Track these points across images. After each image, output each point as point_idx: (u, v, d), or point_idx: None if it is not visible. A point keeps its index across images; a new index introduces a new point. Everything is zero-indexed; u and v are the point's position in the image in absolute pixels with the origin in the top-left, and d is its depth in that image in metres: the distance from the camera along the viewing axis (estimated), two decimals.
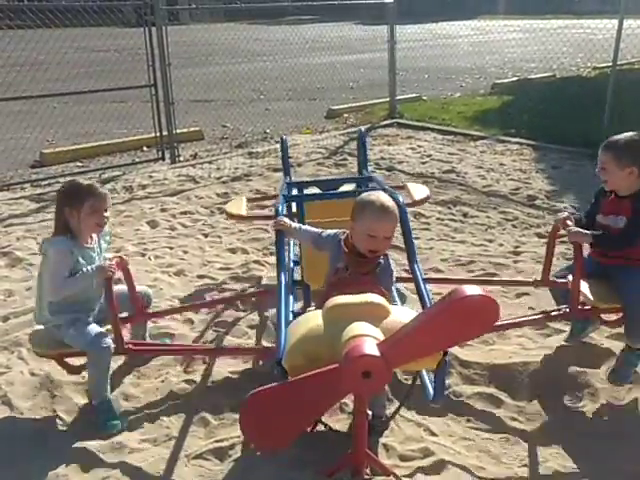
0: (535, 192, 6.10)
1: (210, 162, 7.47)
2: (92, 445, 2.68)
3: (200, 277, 4.34)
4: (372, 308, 2.14)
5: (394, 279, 2.63)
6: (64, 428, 2.83)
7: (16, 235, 5.07)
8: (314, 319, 2.19)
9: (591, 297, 2.95)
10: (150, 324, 3.57)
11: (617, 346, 3.26)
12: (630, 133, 2.98)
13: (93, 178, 6.92)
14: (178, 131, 7.77)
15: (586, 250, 3.07)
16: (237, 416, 2.80)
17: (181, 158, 7.65)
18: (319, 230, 2.77)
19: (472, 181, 6.48)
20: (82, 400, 3.01)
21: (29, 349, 3.41)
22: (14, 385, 3.10)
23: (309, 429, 2.59)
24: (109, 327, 2.96)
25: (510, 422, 2.85)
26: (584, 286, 3.00)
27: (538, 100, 10.39)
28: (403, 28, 12.20)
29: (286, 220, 2.89)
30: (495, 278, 4.21)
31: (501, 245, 4.90)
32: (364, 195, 2.61)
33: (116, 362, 3.30)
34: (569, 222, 3.02)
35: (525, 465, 2.57)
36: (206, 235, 5.16)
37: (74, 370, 3.12)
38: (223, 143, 8.59)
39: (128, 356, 3.22)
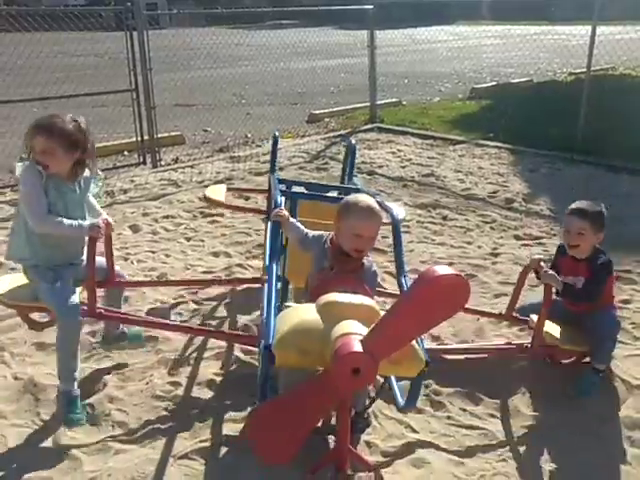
0: (513, 195, 6.22)
1: (192, 166, 7.48)
2: (77, 447, 2.70)
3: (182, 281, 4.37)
4: (364, 310, 2.19)
5: (377, 279, 2.69)
6: (48, 431, 2.84)
7: None
8: (308, 313, 2.22)
9: (557, 336, 3.14)
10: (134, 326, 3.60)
11: None
12: (590, 202, 3.20)
13: None
14: (159, 135, 7.78)
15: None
16: (222, 416, 2.89)
17: (162, 162, 7.66)
18: (305, 230, 2.82)
19: (451, 184, 6.58)
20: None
21: (12, 353, 3.44)
22: None
23: None
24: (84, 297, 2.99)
25: (488, 419, 2.93)
26: (551, 326, 3.17)
27: (516, 105, 10.55)
28: (383, 33, 12.30)
29: (285, 213, 2.88)
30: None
31: (480, 247, 5.01)
32: (350, 197, 2.68)
33: (99, 364, 3.35)
34: (542, 264, 3.18)
35: (503, 460, 2.65)
36: (188, 239, 5.18)
37: (36, 326, 3.17)
38: (205, 147, 8.61)
39: (107, 347, 3.34)
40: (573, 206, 3.21)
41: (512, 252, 4.83)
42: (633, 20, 20.19)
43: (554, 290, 3.11)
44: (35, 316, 3.29)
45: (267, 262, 2.76)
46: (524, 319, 3.35)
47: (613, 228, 5.21)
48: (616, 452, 2.67)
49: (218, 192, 4.46)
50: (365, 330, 2.06)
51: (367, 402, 2.67)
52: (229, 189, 4.69)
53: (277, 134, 4.47)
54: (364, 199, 2.60)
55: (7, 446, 2.73)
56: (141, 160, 7.67)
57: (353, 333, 2.02)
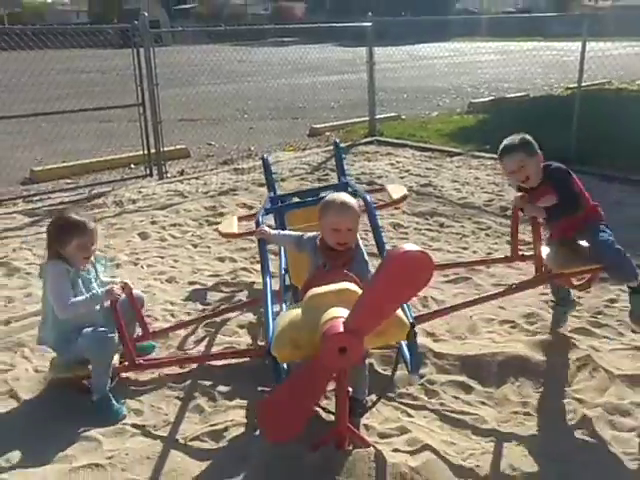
0: (508, 203, 6.43)
1: (197, 178, 7.74)
2: (96, 431, 2.91)
3: (191, 283, 4.59)
4: (344, 294, 2.40)
5: (369, 267, 2.90)
6: (68, 417, 3.04)
7: (12, 247, 5.28)
8: (295, 311, 2.48)
9: (554, 265, 3.38)
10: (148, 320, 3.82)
11: (581, 340, 3.59)
12: (510, 137, 3.43)
13: (83, 194, 7.17)
14: (165, 149, 8.04)
15: None
16: (230, 403, 3.10)
17: (168, 174, 7.92)
18: (300, 234, 3.06)
19: (448, 194, 6.82)
20: (84, 394, 3.22)
21: (32, 349, 3.65)
22: (19, 381, 3.31)
23: None
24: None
25: (480, 406, 3.13)
26: (547, 256, 3.42)
27: (512, 118, 10.79)
28: (382, 50, 12.63)
29: (266, 229, 3.25)
30: (470, 259, 4.50)
31: (475, 252, 5.22)
32: (327, 197, 2.93)
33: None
34: (524, 200, 3.38)
35: (492, 441, 2.84)
36: (195, 245, 5.41)
37: (85, 389, 3.27)
38: (209, 160, 8.87)
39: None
40: (500, 148, 3.38)
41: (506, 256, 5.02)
42: (625, 36, 20.54)
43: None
44: None
45: (262, 277, 3.03)
46: (530, 255, 3.55)
47: None
48: (598, 433, 2.86)
49: (230, 225, 4.66)
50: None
51: (366, 385, 2.88)
52: (240, 218, 4.93)
53: (265, 156, 4.76)
54: (338, 196, 2.85)
55: (30, 430, 2.93)
56: (148, 172, 7.92)
57: (337, 317, 2.23)
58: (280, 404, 2.30)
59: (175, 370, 3.41)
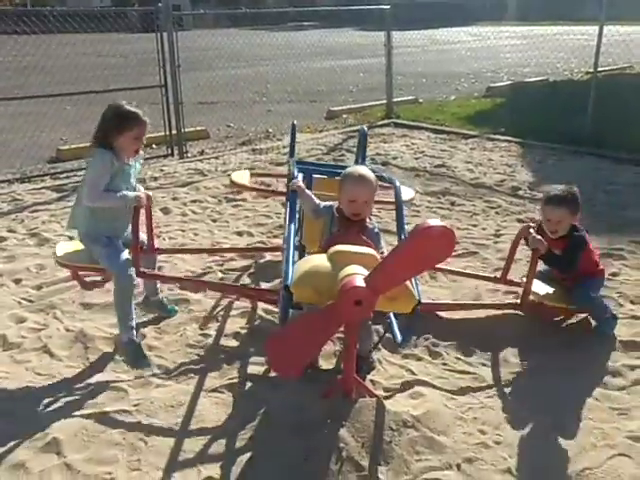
0: (519, 184, 6.59)
1: (216, 158, 7.97)
2: (123, 382, 3.16)
3: (210, 255, 4.82)
4: (366, 257, 2.63)
5: (381, 241, 3.10)
6: (98, 371, 3.30)
7: (42, 219, 5.56)
8: (321, 259, 2.67)
9: (545, 294, 3.59)
10: (167, 291, 4.09)
11: None
12: (562, 187, 3.52)
13: None
14: (185, 130, 8.26)
15: None
16: (246, 360, 3.34)
17: (189, 154, 8.15)
18: (318, 201, 3.26)
19: (461, 174, 6.97)
20: (112, 350, 3.49)
21: (62, 311, 3.91)
22: (52, 338, 3.58)
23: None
24: None
25: (480, 366, 3.33)
26: (539, 287, 3.60)
27: (529, 102, 10.88)
28: (402, 34, 12.70)
29: (301, 183, 3.35)
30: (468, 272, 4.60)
31: (484, 229, 5.39)
32: (346, 170, 3.11)
33: (139, 319, 3.81)
34: (531, 231, 3.56)
35: (490, 397, 3.05)
36: (215, 220, 5.64)
37: (87, 285, 3.65)
38: (228, 141, 9.09)
39: (146, 309, 3.81)
40: (550, 195, 3.50)
41: (513, 233, 5.12)
42: None
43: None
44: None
45: (287, 224, 3.22)
46: (517, 282, 3.74)
47: (613, 213, 5.60)
48: (588, 391, 3.05)
49: (242, 177, 4.93)
50: (366, 273, 2.48)
51: (371, 346, 3.10)
52: (252, 174, 5.15)
53: (295, 122, 4.93)
54: (356, 169, 3.04)
55: (64, 382, 3.20)
56: (169, 152, 8.16)
57: (357, 273, 2.45)
58: (288, 340, 2.51)
59: (197, 331, 3.66)
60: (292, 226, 3.18)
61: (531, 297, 3.61)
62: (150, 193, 3.54)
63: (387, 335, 3.25)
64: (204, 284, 3.85)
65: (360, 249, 2.66)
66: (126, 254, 3.39)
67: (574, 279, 3.57)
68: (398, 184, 3.49)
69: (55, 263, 3.64)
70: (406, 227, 3.34)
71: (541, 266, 3.66)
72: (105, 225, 3.40)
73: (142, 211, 3.44)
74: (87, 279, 3.76)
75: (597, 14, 8.31)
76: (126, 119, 3.30)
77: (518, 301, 3.64)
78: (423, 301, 2.83)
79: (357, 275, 2.43)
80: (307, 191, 3.32)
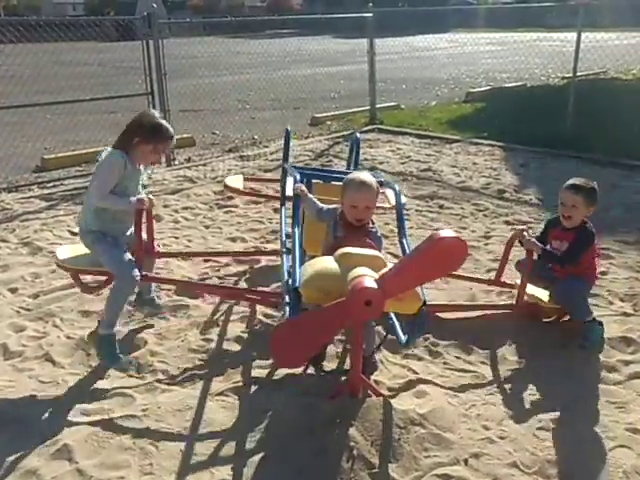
0: (504, 186, 6.72)
1: (204, 165, 7.98)
2: (129, 388, 3.18)
3: (206, 261, 4.83)
4: (374, 260, 2.69)
5: (383, 244, 3.17)
6: (102, 377, 3.31)
7: (33, 228, 5.52)
8: (328, 261, 2.73)
9: (539, 296, 3.67)
10: (166, 297, 4.11)
11: None
12: (584, 179, 3.64)
13: None
14: None
15: None
16: (250, 363, 3.37)
17: (176, 162, 8.15)
18: (321, 205, 3.32)
19: (447, 178, 7.08)
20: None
21: (62, 318, 3.91)
22: (53, 346, 3.58)
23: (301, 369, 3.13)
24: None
25: (479, 365, 3.41)
26: (534, 289, 3.70)
27: (509, 107, 11.09)
28: (382, 41, 12.83)
29: (304, 188, 3.43)
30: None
31: (473, 231, 5.49)
32: (348, 176, 3.18)
33: (139, 324, 3.82)
34: (525, 234, 3.66)
35: (491, 394, 3.13)
36: (207, 227, 5.66)
37: (86, 289, 3.66)
38: (214, 148, 9.11)
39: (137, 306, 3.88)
40: (569, 182, 3.62)
41: (503, 235, 5.29)
42: (622, 27, 20.79)
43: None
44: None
45: (292, 229, 3.28)
46: (511, 283, 3.84)
47: (597, 214, 5.74)
48: (586, 386, 3.15)
49: (236, 181, 4.99)
50: (374, 275, 2.54)
51: (375, 346, 3.16)
52: (246, 179, 5.20)
53: (289, 128, 4.99)
54: (358, 175, 3.09)
55: (69, 389, 3.20)
56: None
57: (366, 275, 2.51)
58: (293, 334, 2.54)
59: (199, 336, 3.68)
60: (297, 230, 3.23)
61: (526, 298, 3.71)
62: (152, 197, 3.57)
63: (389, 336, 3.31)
64: (206, 287, 3.88)
65: (368, 252, 2.72)
66: (128, 255, 3.42)
67: (565, 275, 3.64)
68: (398, 188, 3.56)
69: (55, 265, 3.65)
70: (407, 231, 3.42)
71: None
72: (108, 225, 3.43)
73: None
74: (87, 282, 3.78)
75: (565, 22, 8.55)
76: (159, 131, 3.37)
77: (513, 302, 3.73)
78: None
79: (367, 276, 2.49)
80: (309, 195, 3.37)
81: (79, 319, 3.92)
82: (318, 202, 3.33)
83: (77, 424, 2.88)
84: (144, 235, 3.57)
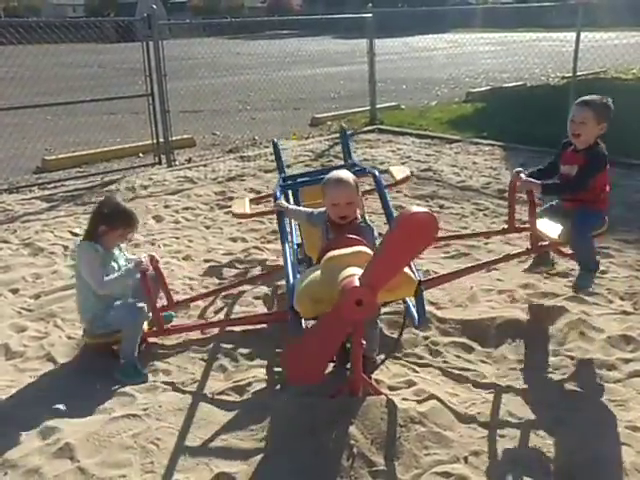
0: (504, 186, 6.69)
1: (205, 165, 8.00)
2: (129, 387, 3.19)
3: (206, 261, 4.86)
4: (358, 255, 2.67)
5: (376, 236, 3.15)
6: (103, 376, 3.32)
7: (34, 229, 5.55)
8: (314, 271, 2.76)
9: (550, 235, 3.61)
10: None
11: (573, 306, 3.86)
12: (597, 96, 3.54)
13: (95, 181, 7.42)
14: (171, 138, 8.28)
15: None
16: (251, 362, 3.39)
17: (177, 162, 8.17)
18: (310, 210, 3.34)
19: (447, 178, 7.09)
20: (114, 358, 3.50)
21: (63, 319, 3.92)
22: (55, 346, 3.59)
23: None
24: None
25: (480, 363, 3.41)
26: (544, 225, 3.65)
27: (509, 106, 11.09)
28: (381, 42, 12.84)
29: (284, 202, 3.55)
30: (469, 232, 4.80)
31: (474, 231, 5.49)
32: (326, 176, 3.18)
33: None
34: (521, 175, 3.63)
35: (491, 392, 3.13)
36: (208, 227, 5.68)
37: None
38: (215, 149, 9.13)
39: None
40: (581, 99, 3.53)
41: (503, 236, 5.30)
42: (622, 26, 20.80)
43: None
44: None
45: (281, 245, 3.33)
46: (524, 227, 3.83)
47: None
48: (587, 385, 3.15)
49: (242, 206, 4.91)
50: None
51: (377, 344, 3.17)
52: (251, 200, 5.17)
53: (275, 140, 5.01)
54: (335, 173, 3.11)
55: (70, 387, 3.21)
56: (157, 160, 8.18)
57: (354, 275, 2.50)
58: (302, 350, 2.57)
59: (199, 335, 3.69)
60: (287, 247, 3.27)
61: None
62: (154, 254, 3.54)
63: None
64: (225, 323, 3.82)
65: (351, 250, 2.69)
66: (124, 301, 3.43)
67: (579, 204, 3.55)
68: (377, 173, 3.60)
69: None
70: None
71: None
72: (114, 300, 3.44)
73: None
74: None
75: (565, 21, 8.57)
76: (124, 217, 3.42)
77: (529, 246, 3.77)
78: (424, 279, 2.89)
79: (355, 276, 2.49)
80: (292, 206, 3.43)
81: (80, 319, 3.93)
82: (305, 209, 3.36)
83: (79, 423, 2.89)
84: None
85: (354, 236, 2.92)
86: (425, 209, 2.34)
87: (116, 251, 3.55)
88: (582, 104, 3.50)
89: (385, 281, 2.48)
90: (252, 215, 5.02)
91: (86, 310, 3.43)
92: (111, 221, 3.39)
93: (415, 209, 2.32)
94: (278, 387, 3.15)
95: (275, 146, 4.94)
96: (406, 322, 3.21)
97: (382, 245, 2.46)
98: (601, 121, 3.46)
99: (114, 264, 3.46)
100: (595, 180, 3.53)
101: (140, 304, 3.37)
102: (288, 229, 3.61)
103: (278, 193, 3.76)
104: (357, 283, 2.44)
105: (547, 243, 3.74)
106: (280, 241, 3.47)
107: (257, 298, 4.18)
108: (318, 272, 2.72)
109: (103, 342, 3.49)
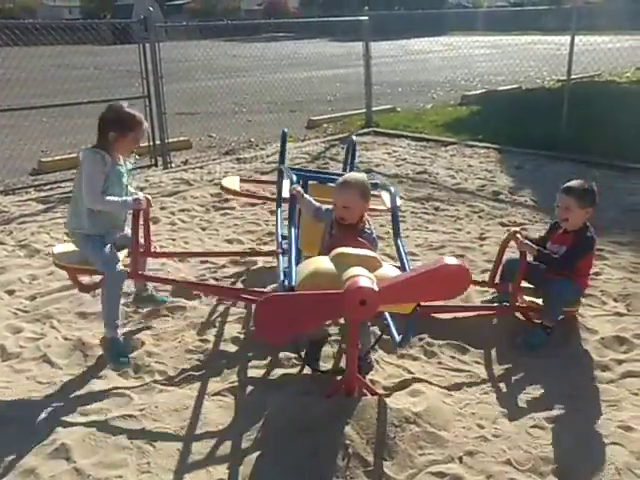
0: (499, 188, 6.76)
1: (201, 167, 8.01)
2: (127, 388, 3.20)
3: (202, 262, 4.85)
4: (369, 260, 2.73)
5: (377, 244, 3.19)
6: (99, 378, 3.32)
7: (30, 231, 5.54)
8: (323, 261, 2.77)
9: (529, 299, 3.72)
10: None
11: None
12: (580, 181, 3.63)
13: None
14: (168, 140, 8.29)
15: None
16: (246, 364, 3.39)
17: (173, 164, 8.18)
18: (319, 204, 3.36)
19: (443, 180, 7.12)
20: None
21: (59, 320, 3.93)
22: (51, 347, 3.59)
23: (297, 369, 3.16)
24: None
25: (474, 364, 3.44)
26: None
27: (504, 109, 11.14)
28: (377, 45, 12.89)
29: (300, 189, 3.48)
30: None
31: (469, 233, 5.52)
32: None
33: (136, 326, 3.84)
34: (518, 235, 3.68)
35: (486, 393, 3.16)
36: (204, 229, 5.69)
37: (84, 288, 3.73)
38: (211, 151, 9.14)
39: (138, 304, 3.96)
40: (564, 185, 3.63)
41: (498, 236, 5.32)
42: (617, 30, 20.89)
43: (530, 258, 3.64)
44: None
45: (288, 229, 3.32)
46: (504, 285, 3.86)
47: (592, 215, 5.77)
48: (579, 385, 3.19)
49: (233, 182, 5.01)
50: (369, 274, 2.57)
51: (369, 346, 3.19)
52: (242, 180, 5.23)
53: (286, 130, 5.02)
54: (347, 175, 3.15)
55: (66, 390, 3.21)
56: (153, 162, 8.18)
57: (361, 275, 2.54)
58: (282, 308, 2.53)
59: (195, 336, 3.71)
60: (294, 231, 3.27)
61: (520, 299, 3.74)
62: (149, 197, 3.60)
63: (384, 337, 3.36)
64: (202, 287, 3.90)
65: (362, 252, 2.76)
66: (114, 251, 3.45)
67: (560, 276, 3.62)
68: (394, 190, 3.60)
69: (53, 264, 3.67)
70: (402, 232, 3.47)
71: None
72: (102, 225, 3.47)
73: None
74: (84, 281, 3.82)
75: (560, 25, 8.60)
76: (129, 121, 3.38)
77: (507, 304, 3.77)
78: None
79: (362, 276, 2.52)
80: (306, 196, 3.41)
81: (76, 320, 3.94)
82: (316, 202, 3.37)
83: (75, 424, 2.90)
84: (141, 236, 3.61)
85: (364, 241, 2.95)
86: (460, 262, 2.51)
87: (122, 168, 3.52)
88: (564, 191, 3.59)
89: (394, 301, 2.56)
90: (241, 194, 5.08)
91: (85, 223, 3.44)
92: (120, 126, 3.35)
93: (450, 261, 2.51)
94: (274, 387, 3.16)
95: (284, 135, 4.95)
96: (381, 337, 3.28)
97: (410, 274, 2.57)
98: (585, 206, 3.56)
99: (115, 187, 3.41)
100: (581, 261, 3.62)
101: (120, 266, 3.39)
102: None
103: (294, 177, 3.71)
104: (363, 283, 2.46)
105: (527, 306, 3.74)
106: (288, 225, 3.45)
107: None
108: (328, 263, 2.74)
109: (77, 268, 3.55)
